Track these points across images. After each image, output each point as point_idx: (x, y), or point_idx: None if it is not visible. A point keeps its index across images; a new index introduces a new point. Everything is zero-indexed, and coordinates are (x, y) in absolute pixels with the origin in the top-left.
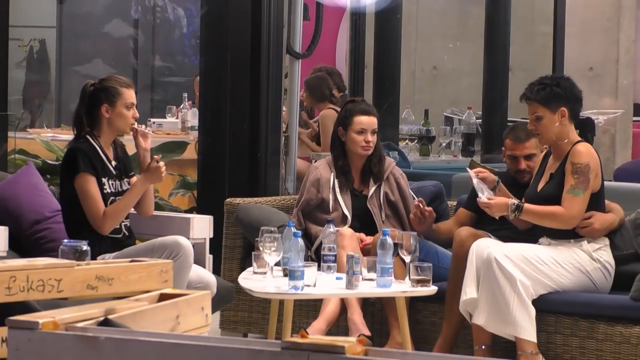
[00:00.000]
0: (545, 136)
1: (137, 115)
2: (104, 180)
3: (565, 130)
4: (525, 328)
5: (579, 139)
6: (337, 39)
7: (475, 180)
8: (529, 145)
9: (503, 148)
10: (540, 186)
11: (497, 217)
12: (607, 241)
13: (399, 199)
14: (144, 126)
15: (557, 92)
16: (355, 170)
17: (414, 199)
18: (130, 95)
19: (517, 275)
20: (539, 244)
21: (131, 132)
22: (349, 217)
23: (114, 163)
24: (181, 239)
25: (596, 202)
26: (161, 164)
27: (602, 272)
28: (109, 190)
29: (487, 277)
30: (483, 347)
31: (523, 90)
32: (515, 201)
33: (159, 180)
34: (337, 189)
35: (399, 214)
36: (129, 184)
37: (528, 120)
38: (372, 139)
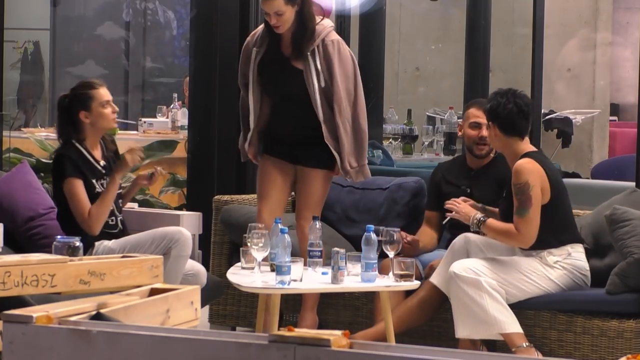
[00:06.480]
0: (491, 144)
1: (117, 109)
2: (94, 181)
3: (507, 144)
4: (508, 322)
5: (526, 151)
6: None
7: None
8: None
9: (460, 122)
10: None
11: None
12: (569, 251)
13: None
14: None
15: (491, 107)
16: (285, 43)
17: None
18: (102, 94)
19: (480, 277)
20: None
21: (149, 177)
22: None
23: (102, 163)
24: (182, 229)
25: (548, 213)
26: (129, 157)
27: (570, 276)
28: (100, 190)
29: (454, 292)
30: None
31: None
32: (479, 216)
33: (127, 169)
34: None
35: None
36: None
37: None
38: None
